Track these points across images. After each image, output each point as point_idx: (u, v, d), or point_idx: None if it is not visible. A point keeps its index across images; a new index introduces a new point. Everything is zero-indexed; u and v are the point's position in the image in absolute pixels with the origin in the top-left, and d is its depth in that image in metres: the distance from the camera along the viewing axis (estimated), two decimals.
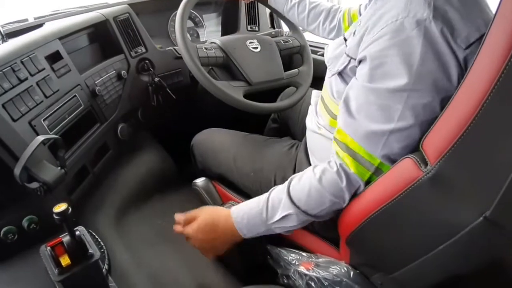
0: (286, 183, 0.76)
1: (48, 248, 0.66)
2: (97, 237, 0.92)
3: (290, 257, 0.94)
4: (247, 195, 1.03)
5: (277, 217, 0.75)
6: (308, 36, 1.37)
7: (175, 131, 1.39)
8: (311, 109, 0.99)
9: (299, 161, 0.97)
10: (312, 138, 0.93)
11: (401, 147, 0.65)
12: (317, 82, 1.18)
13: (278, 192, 0.77)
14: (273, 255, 0.92)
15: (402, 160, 0.62)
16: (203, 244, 0.83)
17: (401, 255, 0.68)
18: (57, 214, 0.63)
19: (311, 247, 0.94)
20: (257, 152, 1.03)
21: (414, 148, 0.64)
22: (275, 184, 0.95)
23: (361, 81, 0.68)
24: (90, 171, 1.02)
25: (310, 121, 0.94)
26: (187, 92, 1.33)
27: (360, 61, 0.69)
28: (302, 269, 0.90)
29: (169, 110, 1.33)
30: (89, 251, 0.68)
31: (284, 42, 1.25)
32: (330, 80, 0.83)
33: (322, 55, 1.55)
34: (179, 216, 0.87)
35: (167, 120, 1.42)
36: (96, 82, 1.05)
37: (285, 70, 1.19)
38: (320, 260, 0.92)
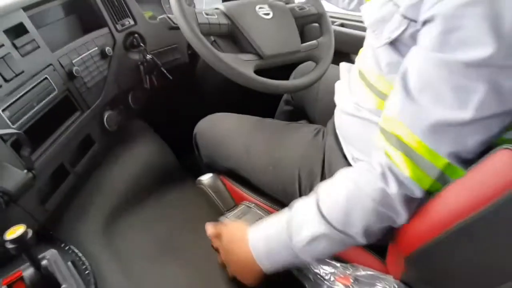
0: (314, 192, 0.60)
1: (3, 287, 0.47)
2: (79, 254, 0.74)
3: (322, 270, 0.77)
4: (264, 194, 0.85)
5: (304, 239, 0.58)
6: None
7: (174, 118, 1.20)
8: (341, 86, 0.79)
9: (329, 151, 0.78)
10: (347, 123, 0.74)
11: (477, 143, 0.48)
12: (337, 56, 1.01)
13: (303, 204, 0.60)
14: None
15: (496, 152, 0.44)
16: (234, 267, 0.69)
17: (485, 278, 0.50)
18: (12, 241, 0.44)
19: (348, 256, 0.77)
20: (275, 140, 0.85)
21: (492, 144, 0.48)
22: (299, 180, 0.77)
23: (427, 51, 0.50)
24: (70, 171, 0.84)
25: (343, 101, 0.75)
26: (185, 71, 1.14)
27: (424, 23, 0.51)
28: (338, 285, 0.73)
29: (165, 93, 1.14)
30: (62, 286, 0.49)
31: (299, 9, 1.04)
32: (376, 51, 0.63)
33: (340, 25, 1.34)
34: (209, 228, 0.73)
35: (163, 105, 1.22)
36: (74, 61, 0.87)
37: None
38: (361, 273, 0.75)
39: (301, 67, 1.15)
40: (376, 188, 0.53)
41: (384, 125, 0.55)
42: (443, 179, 0.50)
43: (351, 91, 0.73)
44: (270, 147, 0.84)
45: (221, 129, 0.93)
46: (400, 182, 0.52)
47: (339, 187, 0.57)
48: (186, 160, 1.15)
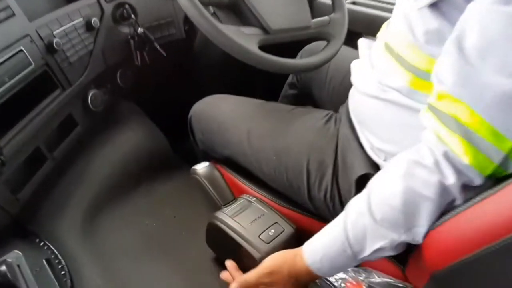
0: (364, 202, 0.52)
1: None
2: (55, 252, 0.65)
3: None
4: (267, 187, 0.76)
5: (368, 251, 0.52)
6: None
7: (168, 100, 1.09)
8: (360, 64, 0.69)
9: (343, 139, 0.69)
10: (366, 106, 0.64)
11: None
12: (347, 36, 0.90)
13: (356, 217, 0.52)
14: None
15: None
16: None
17: None
18: None
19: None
20: (281, 126, 0.75)
21: None
22: (308, 172, 0.67)
23: (490, 4, 0.40)
24: (48, 156, 0.74)
25: (362, 81, 0.65)
26: (181, 48, 1.03)
27: None
28: None
29: (158, 72, 1.03)
30: None
31: None
32: (412, 17, 0.54)
33: (352, 3, 1.23)
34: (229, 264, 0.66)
35: (155, 85, 1.11)
36: (55, 32, 0.77)
37: None
38: (376, 280, 0.66)
39: (308, 47, 1.04)
40: (431, 183, 0.45)
41: (435, 104, 0.46)
42: (506, 164, 0.43)
43: (374, 68, 0.63)
44: (275, 133, 0.74)
45: (219, 112, 0.83)
46: (458, 171, 0.44)
47: (389, 190, 0.49)
48: (181, 147, 1.05)
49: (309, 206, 0.71)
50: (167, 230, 0.79)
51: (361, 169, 0.64)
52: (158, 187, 0.90)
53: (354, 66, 0.73)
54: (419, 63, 0.54)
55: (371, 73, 0.63)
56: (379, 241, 0.50)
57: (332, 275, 0.61)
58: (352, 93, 0.71)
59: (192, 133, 0.89)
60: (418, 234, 0.49)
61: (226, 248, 0.69)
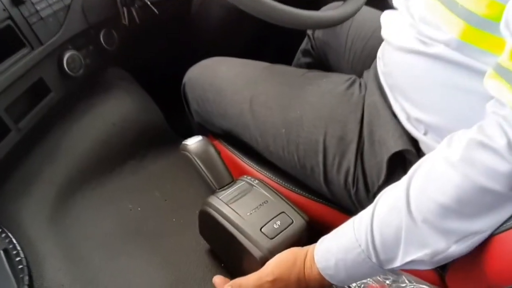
0: (400, 194, 0.38)
1: None
2: (14, 241, 0.53)
3: None
4: (273, 166, 0.64)
5: (399, 262, 0.39)
6: None
7: (161, 66, 0.95)
8: (393, 15, 0.55)
9: (371, 108, 0.55)
10: (402, 65, 0.51)
11: None
12: None
13: (388, 213, 0.39)
14: None
15: None
16: None
17: None
18: None
19: None
20: (292, 93, 0.62)
21: None
22: (324, 150, 0.55)
23: None
24: (11, 127, 0.62)
25: (398, 34, 0.51)
26: (177, 4, 0.89)
27: None
28: None
29: (150, 33, 0.89)
30: None
31: None
32: None
33: None
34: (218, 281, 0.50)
35: (146, 47, 0.97)
36: None
37: None
38: (407, 286, 0.53)
39: (327, 7, 0.89)
40: (501, 173, 0.32)
41: (508, 64, 0.33)
42: None
43: (414, 17, 0.48)
44: (284, 101, 0.60)
45: (218, 77, 0.69)
46: None
47: (440, 183, 0.36)
48: (177, 120, 0.92)
49: (325, 192, 0.58)
50: (155, 216, 0.67)
51: (394, 145, 0.50)
52: (148, 165, 0.77)
53: (386, 18, 0.59)
54: (476, 7, 0.39)
55: (409, 24, 0.49)
56: (417, 250, 0.37)
57: (348, 284, 0.48)
58: (382, 51, 0.57)
59: (186, 102, 0.76)
60: (474, 244, 0.36)
61: (220, 242, 0.56)
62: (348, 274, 0.42)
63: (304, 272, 0.44)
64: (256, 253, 0.47)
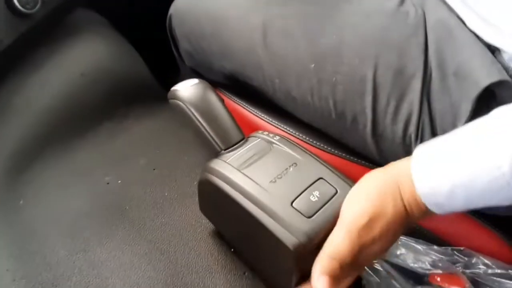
0: None
1: None
2: None
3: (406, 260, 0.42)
4: (296, 120, 0.47)
5: None
6: None
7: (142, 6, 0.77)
8: None
9: (439, 31, 0.39)
10: None
11: None
12: None
13: None
14: None
15: None
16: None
17: None
18: None
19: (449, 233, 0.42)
20: (321, 13, 0.44)
21: None
22: (374, 89, 0.39)
23: None
24: None
25: None
26: None
27: None
28: None
29: None
30: None
31: None
32: None
33: None
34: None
35: None
36: None
37: None
38: (487, 270, 0.39)
39: None
40: None
41: None
42: None
43: None
44: (311, 26, 0.43)
45: (214, 3, 0.51)
46: None
47: None
48: (165, 72, 0.74)
49: (371, 150, 0.42)
50: (140, 191, 0.51)
51: (485, 76, 0.33)
52: (130, 127, 0.60)
53: None
54: None
55: None
56: None
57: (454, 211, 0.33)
58: None
59: (174, 42, 0.58)
60: None
61: (230, 222, 0.41)
62: (468, 203, 0.29)
63: (402, 199, 0.30)
64: (289, 240, 0.31)
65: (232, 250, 0.46)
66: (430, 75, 0.37)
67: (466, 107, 0.35)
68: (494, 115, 0.28)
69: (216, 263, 0.45)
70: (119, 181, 0.52)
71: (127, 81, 0.66)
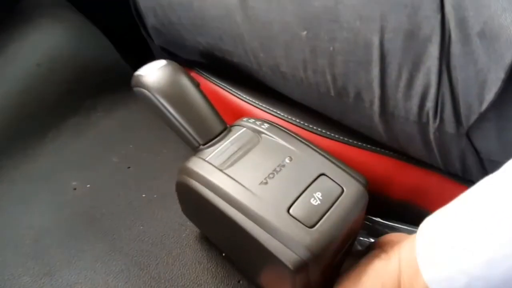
0: None
1: None
2: None
3: None
4: (286, 100, 0.40)
5: None
6: None
7: None
8: None
9: None
10: None
11: None
12: None
13: None
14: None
15: None
16: None
17: None
18: None
19: None
20: None
21: None
22: (382, 57, 0.31)
23: None
24: None
25: None
26: None
27: None
28: None
29: None
30: None
31: None
32: None
33: None
34: None
35: None
36: None
37: None
38: None
39: None
40: None
41: None
42: None
43: None
44: None
45: None
46: None
47: None
48: (143, 57, 0.66)
49: (379, 132, 0.35)
50: (113, 195, 0.44)
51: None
52: (98, 121, 0.52)
53: None
54: None
55: None
56: None
57: None
58: None
59: (139, 17, 0.50)
60: None
61: (216, 228, 0.34)
62: None
63: None
64: (287, 257, 0.25)
65: (224, 254, 0.40)
66: (449, 37, 0.30)
67: (497, 75, 0.27)
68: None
69: (206, 272, 0.39)
70: (88, 185, 0.45)
71: (93, 68, 0.57)
